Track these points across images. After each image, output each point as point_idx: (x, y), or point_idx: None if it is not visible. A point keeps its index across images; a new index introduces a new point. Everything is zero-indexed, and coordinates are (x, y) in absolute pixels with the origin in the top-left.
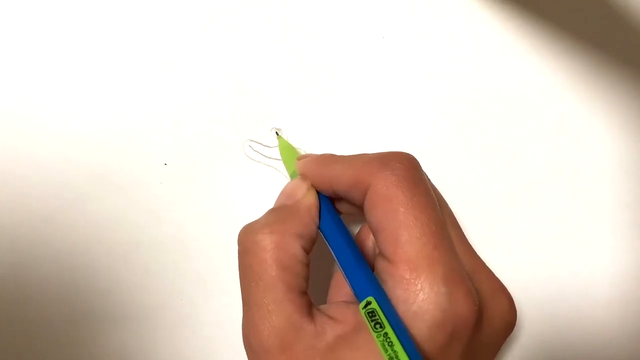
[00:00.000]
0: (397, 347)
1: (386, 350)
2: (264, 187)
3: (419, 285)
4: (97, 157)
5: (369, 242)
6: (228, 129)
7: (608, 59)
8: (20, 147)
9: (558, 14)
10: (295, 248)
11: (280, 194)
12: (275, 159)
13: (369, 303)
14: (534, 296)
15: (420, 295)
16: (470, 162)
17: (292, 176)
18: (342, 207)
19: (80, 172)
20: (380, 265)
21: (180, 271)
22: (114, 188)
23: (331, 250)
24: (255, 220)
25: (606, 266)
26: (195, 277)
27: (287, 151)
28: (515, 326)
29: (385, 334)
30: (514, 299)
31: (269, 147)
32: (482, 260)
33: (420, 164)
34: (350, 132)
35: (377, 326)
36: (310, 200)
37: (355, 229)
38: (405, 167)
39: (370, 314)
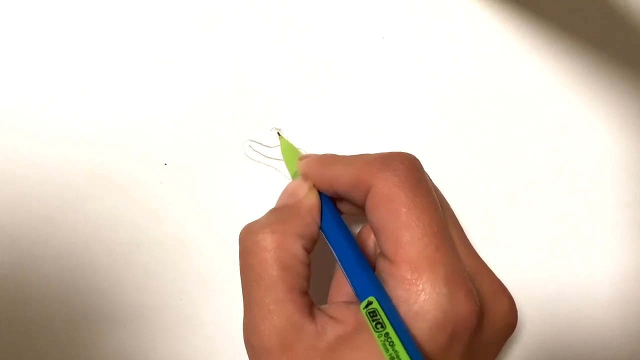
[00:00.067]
0: (399, 347)
1: (387, 350)
2: (264, 187)
3: (421, 285)
4: (97, 157)
5: (370, 242)
6: (228, 129)
7: (608, 59)
8: (20, 147)
9: (558, 14)
10: (296, 248)
11: (282, 193)
12: (275, 159)
13: (370, 303)
14: (534, 296)
15: (421, 296)
16: (470, 162)
17: (293, 176)
18: (343, 207)
19: (80, 172)
20: (382, 265)
21: (180, 271)
22: (114, 188)
23: (332, 250)
24: (257, 220)
25: (606, 266)
26: (195, 277)
27: (289, 151)
28: (516, 326)
29: (387, 333)
30: (515, 299)
31: (269, 147)
32: (483, 261)
33: (422, 164)
34: (350, 132)
35: (378, 326)
36: (311, 200)
37: (356, 229)
38: (407, 167)
39: (371, 314)
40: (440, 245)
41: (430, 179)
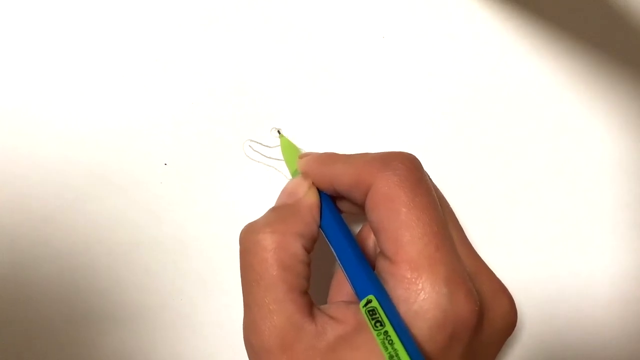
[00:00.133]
0: (398, 345)
1: (386, 349)
2: (264, 187)
3: (420, 285)
4: (97, 157)
5: (370, 241)
6: (228, 129)
7: (608, 59)
8: (20, 147)
9: (558, 14)
10: (297, 247)
11: (282, 192)
12: (276, 158)
13: (369, 301)
14: (534, 296)
15: (421, 295)
16: (470, 162)
17: (293, 175)
18: (343, 206)
19: (80, 172)
20: (382, 264)
21: (180, 271)
22: (114, 188)
23: (332, 249)
24: (257, 220)
25: (606, 266)
26: (195, 277)
27: (289, 150)
28: (516, 326)
29: (386, 332)
30: (515, 299)
31: (269, 147)
32: (483, 260)
33: (422, 164)
34: (350, 132)
35: (378, 324)
36: (311, 198)
37: (356, 228)
38: (407, 167)
39: (370, 312)
40: (440, 244)
41: (430, 179)
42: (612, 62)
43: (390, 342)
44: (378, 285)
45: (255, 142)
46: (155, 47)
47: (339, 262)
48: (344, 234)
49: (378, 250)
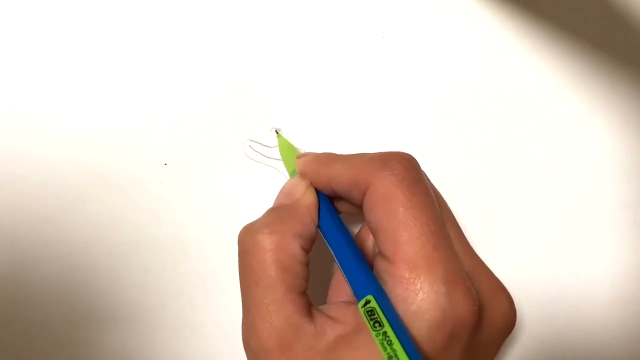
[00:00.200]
0: (396, 345)
1: (385, 349)
2: (264, 187)
3: (419, 285)
4: (97, 157)
5: (369, 241)
6: (228, 129)
7: (608, 59)
8: (20, 147)
9: (558, 14)
10: (295, 248)
11: (279, 192)
12: (275, 158)
13: (368, 302)
14: (534, 296)
15: (419, 295)
16: (470, 162)
17: (291, 175)
18: (341, 206)
19: (80, 172)
20: (380, 265)
21: (180, 271)
22: (114, 188)
23: (331, 250)
24: (255, 220)
25: (606, 266)
26: (195, 277)
27: (287, 150)
28: (515, 326)
29: (385, 332)
30: (514, 299)
31: (269, 147)
32: (481, 260)
33: (420, 164)
34: (350, 132)
35: (376, 325)
36: (309, 199)
37: (354, 229)
38: (405, 167)
39: (369, 313)
40: (438, 244)
41: (428, 179)
42: (612, 62)
43: (389, 342)
44: (376, 285)
45: (255, 142)
46: (155, 47)
47: (338, 262)
48: (342, 234)
49: (376, 250)
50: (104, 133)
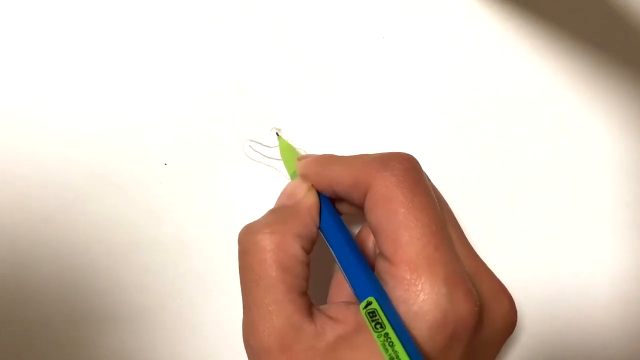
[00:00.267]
0: (398, 347)
1: (387, 351)
2: (264, 187)
3: (420, 286)
4: (97, 157)
5: (370, 242)
6: (228, 129)
7: (608, 59)
8: (20, 147)
9: (558, 14)
10: (296, 248)
11: (281, 194)
12: (275, 159)
13: (369, 303)
14: (534, 296)
15: (420, 296)
16: (470, 162)
17: (292, 176)
18: (342, 207)
19: (80, 172)
20: (381, 265)
21: (180, 271)
22: (114, 188)
23: (332, 251)
24: (256, 221)
25: (606, 266)
26: (195, 277)
27: (288, 151)
28: (516, 326)
29: (386, 334)
30: (515, 299)
31: (269, 147)
32: (482, 261)
33: (420, 164)
34: (350, 132)
35: (378, 326)
36: (310, 200)
37: (355, 230)
38: (405, 167)
39: (370, 314)
40: (439, 245)
41: (428, 179)
42: (612, 62)
43: (391, 343)
44: (378, 286)
45: (255, 142)
46: (155, 47)
47: (339, 263)
48: (343, 235)
49: (377, 251)
50: (104, 133)
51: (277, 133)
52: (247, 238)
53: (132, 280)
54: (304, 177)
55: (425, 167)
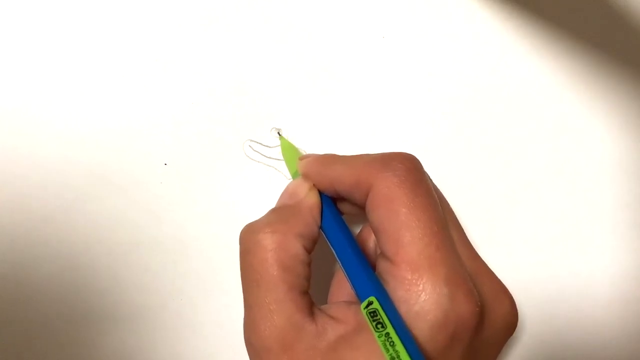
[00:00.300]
0: (399, 347)
1: (388, 350)
2: (264, 187)
3: (421, 286)
4: (97, 157)
5: (371, 242)
6: (228, 129)
7: (608, 59)
8: (20, 147)
9: (558, 14)
10: (297, 248)
11: (282, 193)
12: (276, 159)
13: (370, 303)
14: (534, 296)
15: (422, 296)
16: (470, 162)
17: (293, 176)
18: (344, 207)
19: (80, 172)
20: (382, 265)
21: (180, 271)
22: (114, 188)
23: (333, 250)
24: (257, 220)
25: (606, 266)
26: (195, 277)
27: (289, 151)
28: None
29: (387, 334)
30: (515, 299)
31: (269, 147)
32: (483, 261)
33: (422, 165)
34: (350, 132)
35: (379, 326)
36: (312, 200)
37: (356, 229)
38: (407, 167)
39: (371, 314)
40: (440, 245)
41: (430, 179)
42: (612, 62)
43: (392, 343)
44: (379, 286)
45: (255, 142)
46: (155, 47)
47: (340, 263)
48: (345, 235)
49: (379, 251)
50: (104, 133)
51: (278, 132)
52: (249, 237)
53: (132, 280)
54: (306, 176)
55: (426, 167)
